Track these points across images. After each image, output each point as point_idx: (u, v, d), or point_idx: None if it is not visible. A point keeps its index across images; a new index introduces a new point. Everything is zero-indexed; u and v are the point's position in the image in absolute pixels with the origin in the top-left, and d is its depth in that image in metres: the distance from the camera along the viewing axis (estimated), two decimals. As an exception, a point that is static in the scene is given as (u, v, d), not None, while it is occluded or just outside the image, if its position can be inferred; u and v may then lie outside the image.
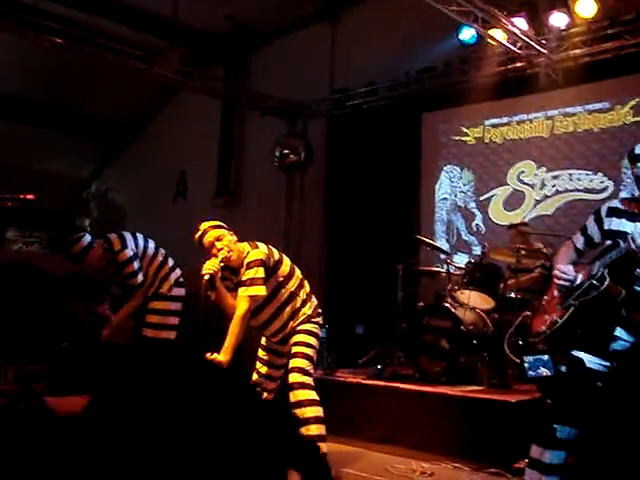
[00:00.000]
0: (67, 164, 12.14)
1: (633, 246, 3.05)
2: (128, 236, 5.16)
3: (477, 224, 7.91)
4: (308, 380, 4.02)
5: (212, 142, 10.49)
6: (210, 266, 3.85)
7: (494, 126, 7.87)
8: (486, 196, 7.86)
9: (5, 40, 8.16)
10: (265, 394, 4.23)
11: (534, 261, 6.09)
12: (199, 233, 4.03)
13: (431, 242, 6.97)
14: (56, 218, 11.26)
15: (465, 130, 8.08)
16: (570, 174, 7.23)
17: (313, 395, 4.01)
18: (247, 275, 3.90)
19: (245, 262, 3.95)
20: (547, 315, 3.38)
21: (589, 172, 7.10)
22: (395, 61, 8.28)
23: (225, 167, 10.53)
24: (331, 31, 9.28)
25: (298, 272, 4.23)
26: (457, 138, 8.15)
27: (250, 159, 10.33)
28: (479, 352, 5.60)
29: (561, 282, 3.35)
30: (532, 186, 7.50)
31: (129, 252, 5.05)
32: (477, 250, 7.52)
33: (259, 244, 4.07)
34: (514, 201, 7.62)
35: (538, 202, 7.44)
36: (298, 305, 4.14)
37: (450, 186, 8.16)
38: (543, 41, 6.99)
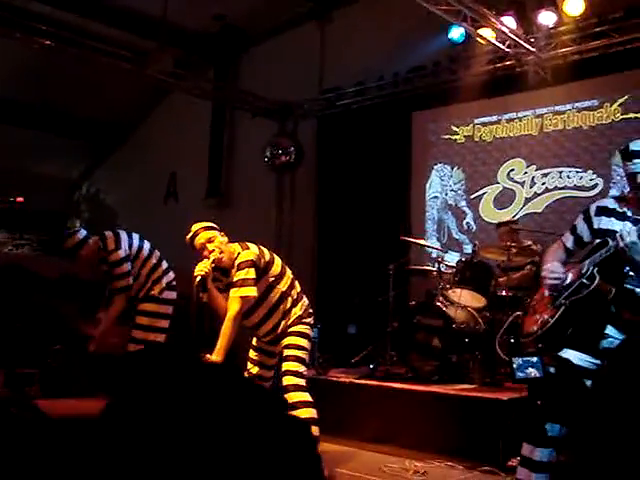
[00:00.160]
0: (57, 165, 12.10)
1: (622, 244, 3.06)
2: (123, 236, 5.15)
3: (468, 222, 7.94)
4: (301, 382, 4.03)
5: (203, 143, 10.48)
6: (202, 268, 3.85)
7: (484, 124, 7.89)
8: (476, 194, 7.88)
9: (-7, 42, 8.13)
10: None
11: (525, 258, 6.12)
12: (190, 234, 4.03)
13: (418, 241, 6.99)
14: (47, 219, 11.22)
15: (455, 129, 8.11)
16: (560, 172, 7.27)
17: (307, 397, 4.02)
18: (238, 276, 3.91)
19: (236, 263, 3.95)
20: (538, 315, 3.39)
21: (579, 170, 7.13)
22: (385, 61, 8.30)
23: (216, 168, 10.53)
24: (321, 31, 9.29)
25: (289, 272, 4.23)
26: (447, 137, 8.18)
27: (241, 160, 10.33)
28: (471, 350, 5.62)
29: (550, 281, 3.36)
30: (522, 184, 7.53)
31: (121, 253, 5.05)
32: (468, 248, 7.55)
33: (250, 245, 4.08)
34: (504, 199, 7.65)
35: (528, 200, 7.47)
36: (289, 305, 4.14)
37: (441, 185, 8.19)
38: (532, 39, 7.02)
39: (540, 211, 7.35)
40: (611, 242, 3.17)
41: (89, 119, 11.35)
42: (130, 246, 5.13)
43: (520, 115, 7.61)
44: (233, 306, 3.88)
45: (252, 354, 4.32)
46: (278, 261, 4.17)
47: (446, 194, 8.13)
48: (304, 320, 4.18)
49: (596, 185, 6.99)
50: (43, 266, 7.92)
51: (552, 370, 3.15)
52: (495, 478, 4.40)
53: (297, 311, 4.16)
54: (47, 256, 9.86)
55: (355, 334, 7.68)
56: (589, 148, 7.07)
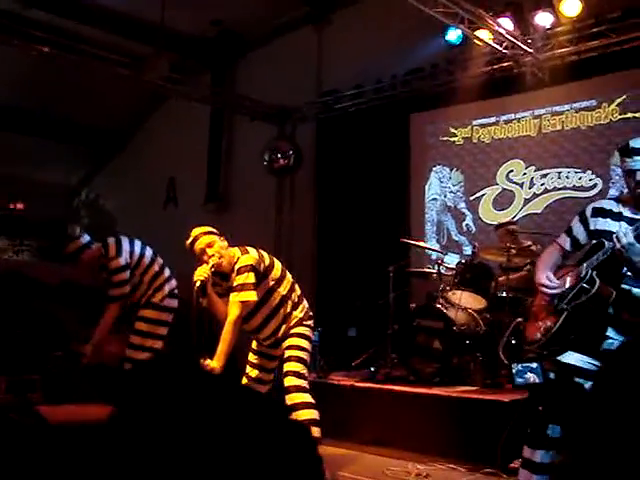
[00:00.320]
0: (57, 172, 12.11)
1: (618, 246, 3.05)
2: (125, 243, 5.16)
3: (467, 224, 7.94)
4: (303, 383, 4.03)
5: (201, 148, 10.49)
6: (201, 273, 3.86)
7: (482, 126, 7.90)
8: (476, 196, 7.88)
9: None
10: None
11: (524, 259, 6.12)
12: (190, 239, 4.04)
13: (418, 244, 6.99)
14: (46, 226, 11.21)
15: (453, 130, 8.11)
16: (559, 172, 7.27)
17: (308, 398, 4.02)
18: (238, 281, 3.91)
19: (236, 268, 3.95)
20: (540, 321, 3.38)
21: (577, 170, 7.13)
22: (382, 63, 8.31)
23: (215, 173, 10.53)
24: (318, 35, 9.29)
25: (289, 276, 4.24)
26: (445, 138, 8.18)
27: (240, 164, 10.34)
28: (472, 352, 5.62)
29: (549, 292, 3.36)
30: (521, 185, 7.53)
31: (122, 261, 5.06)
32: (468, 250, 7.55)
33: (249, 249, 4.08)
34: (503, 200, 7.65)
35: (527, 201, 7.47)
36: (289, 309, 4.15)
37: (440, 186, 8.19)
38: (529, 40, 7.02)
39: (540, 212, 7.35)
40: (607, 244, 3.16)
41: (88, 126, 11.36)
42: (131, 253, 5.13)
43: (518, 116, 7.61)
44: (233, 311, 3.88)
45: (252, 357, 4.31)
46: (278, 265, 4.18)
47: (445, 196, 8.14)
48: (305, 322, 4.19)
49: (595, 185, 6.99)
50: (43, 272, 7.93)
51: (552, 376, 3.14)
52: (497, 480, 4.40)
53: (297, 314, 4.17)
54: (47, 262, 9.85)
55: (355, 337, 7.68)
56: (588, 148, 7.07)
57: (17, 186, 9.99)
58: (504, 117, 7.72)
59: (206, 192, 10.50)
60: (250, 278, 3.90)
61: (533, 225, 7.12)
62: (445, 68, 7.98)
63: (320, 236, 9.26)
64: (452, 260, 6.88)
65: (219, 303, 4.01)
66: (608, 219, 3.30)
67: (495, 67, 7.50)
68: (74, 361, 5.29)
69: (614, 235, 3.09)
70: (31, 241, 11.06)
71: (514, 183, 7.58)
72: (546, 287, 3.36)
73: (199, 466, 1.51)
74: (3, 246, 10.90)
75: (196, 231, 4.05)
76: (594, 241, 3.29)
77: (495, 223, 7.00)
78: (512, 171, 7.61)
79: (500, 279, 6.04)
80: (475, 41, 7.06)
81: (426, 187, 8.29)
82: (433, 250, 7.31)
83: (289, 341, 4.12)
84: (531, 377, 3.12)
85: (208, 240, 3.98)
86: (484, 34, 6.90)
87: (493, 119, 7.80)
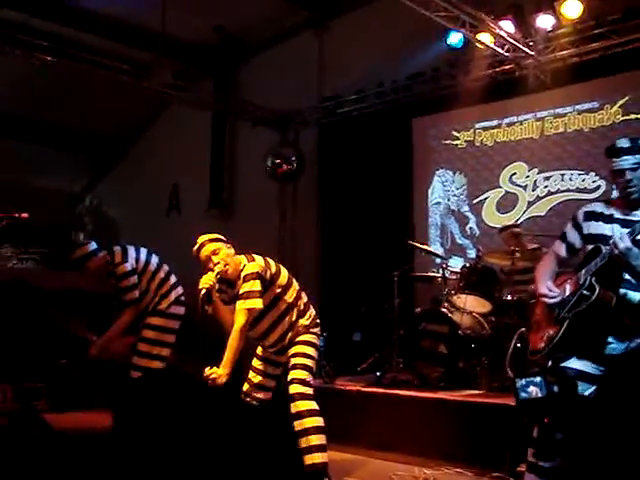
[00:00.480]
0: (60, 179, 12.12)
1: (617, 251, 3.04)
2: (131, 250, 5.19)
3: (471, 227, 7.93)
4: (308, 391, 4.02)
5: (204, 154, 10.49)
6: (206, 280, 3.85)
7: (484, 129, 7.89)
8: (479, 199, 7.88)
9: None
10: (254, 403, 4.22)
11: (529, 262, 6.10)
12: (196, 246, 4.04)
13: (424, 247, 6.98)
14: (50, 233, 11.22)
15: (456, 134, 8.11)
16: (562, 174, 7.26)
17: (313, 405, 4.01)
18: (244, 288, 3.90)
19: (242, 275, 3.95)
20: (543, 331, 3.37)
21: (581, 172, 7.13)
22: (384, 67, 8.31)
23: (218, 179, 10.54)
24: (319, 40, 9.30)
25: (295, 283, 4.23)
26: (448, 142, 8.18)
27: (242, 170, 10.35)
28: (477, 356, 5.61)
29: (551, 302, 3.36)
30: (524, 187, 7.53)
31: (127, 266, 5.08)
32: (472, 253, 7.53)
33: (256, 257, 4.07)
34: (507, 203, 7.64)
35: (531, 203, 7.46)
36: (295, 317, 4.14)
37: (443, 190, 8.19)
38: (530, 43, 7.01)
39: (543, 214, 7.34)
40: (604, 249, 3.16)
41: (90, 133, 11.38)
42: (137, 260, 5.16)
43: (521, 119, 7.60)
44: (239, 318, 3.87)
45: (256, 363, 4.30)
46: (284, 273, 4.17)
47: (448, 199, 8.13)
48: (311, 330, 4.18)
49: (599, 187, 6.98)
50: (47, 280, 7.94)
51: (555, 389, 3.14)
52: (504, 484, 4.39)
53: (304, 322, 4.16)
54: (51, 270, 9.86)
55: (360, 342, 7.68)
56: (591, 150, 7.05)
57: (20, 194, 9.99)
58: (506, 120, 7.71)
59: (209, 198, 10.51)
60: (256, 285, 3.90)
61: (537, 228, 7.12)
62: (447, 72, 7.98)
63: (324, 241, 9.26)
64: (456, 264, 6.89)
65: (225, 310, 4.00)
66: (600, 222, 3.31)
67: (497, 70, 7.50)
68: (82, 349, 5.29)
69: (611, 241, 3.08)
70: (35, 249, 11.08)
71: (517, 186, 7.58)
72: (547, 297, 3.37)
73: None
74: (7, 254, 10.92)
75: (202, 238, 4.05)
76: (590, 246, 3.29)
77: (499, 226, 6.99)
78: (515, 174, 7.61)
79: (505, 283, 6.03)
80: (477, 44, 7.06)
81: (429, 191, 8.28)
82: (437, 255, 7.29)
83: (295, 348, 4.10)
84: (534, 391, 3.12)
85: (214, 247, 3.98)
86: (485, 37, 6.90)
87: (495, 122, 7.80)
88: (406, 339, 6.02)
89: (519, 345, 5.22)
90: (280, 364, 4.25)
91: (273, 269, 4.09)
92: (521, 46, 6.95)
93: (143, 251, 5.27)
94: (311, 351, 4.12)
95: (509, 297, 5.83)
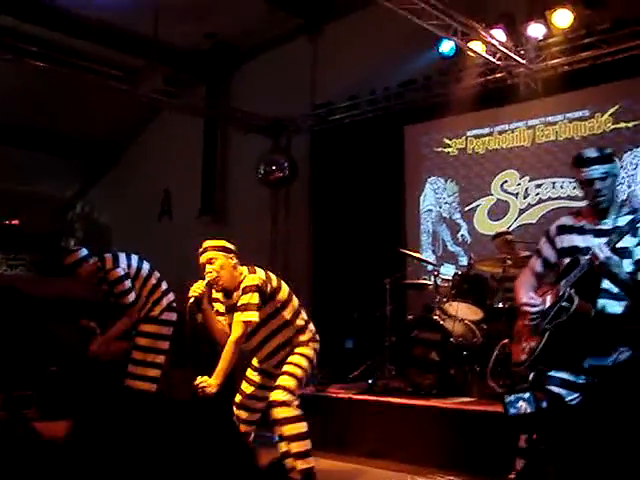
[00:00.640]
0: (51, 185, 12.09)
1: (597, 262, 3.07)
2: (122, 256, 5.21)
3: (462, 234, 7.95)
4: (290, 399, 3.94)
5: (196, 160, 10.48)
6: (195, 288, 3.84)
7: (476, 137, 7.92)
8: (471, 206, 7.90)
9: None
10: (246, 415, 4.19)
11: (520, 270, 6.11)
12: (200, 250, 4.02)
13: (416, 255, 6.99)
14: (41, 240, 11.17)
15: (447, 141, 8.13)
16: (553, 182, 7.29)
17: (294, 412, 3.94)
18: (242, 300, 3.88)
19: (241, 287, 3.92)
20: (525, 343, 3.40)
21: (572, 180, 7.12)
22: (376, 75, 8.33)
23: (209, 185, 10.52)
24: (311, 47, 9.31)
25: (295, 300, 4.19)
26: (440, 150, 8.20)
27: (234, 176, 10.34)
28: (469, 363, 5.62)
29: (533, 310, 3.37)
30: (516, 195, 7.55)
31: (120, 271, 5.09)
32: (463, 260, 7.55)
33: (257, 269, 4.04)
34: (498, 211, 7.67)
35: (522, 211, 7.49)
36: (292, 333, 4.09)
37: (434, 197, 8.20)
38: (522, 52, 7.06)
39: (535, 222, 7.36)
40: (582, 259, 3.19)
41: (82, 139, 11.36)
42: (129, 267, 5.16)
43: (512, 127, 7.64)
44: (236, 330, 3.84)
45: (250, 374, 4.27)
46: (285, 288, 4.13)
47: (440, 207, 8.15)
48: (310, 344, 4.13)
49: (589, 195, 6.99)
50: (38, 287, 7.90)
51: (544, 405, 3.17)
52: (497, 491, 4.39)
53: (302, 339, 4.12)
54: (41, 276, 9.81)
55: (352, 349, 7.66)
56: (582, 158, 7.08)
57: (11, 199, 9.96)
58: (498, 128, 7.74)
59: (201, 204, 10.49)
60: (254, 299, 3.87)
61: (528, 235, 7.13)
62: (438, 80, 8.00)
63: (316, 248, 9.25)
64: (448, 271, 6.90)
65: (215, 320, 3.98)
66: (573, 235, 3.37)
67: (488, 78, 7.54)
68: (83, 339, 5.30)
69: (591, 252, 3.11)
70: (25, 255, 11.03)
71: (509, 193, 7.61)
72: (529, 305, 3.39)
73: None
74: (-2, 260, 10.87)
75: (206, 243, 4.03)
76: (566, 259, 3.32)
77: (490, 233, 7.01)
78: (506, 181, 7.63)
79: (496, 290, 6.04)
80: (468, 53, 7.10)
81: (421, 198, 8.30)
82: (429, 262, 7.30)
83: (289, 359, 4.07)
84: (523, 406, 3.14)
85: (211, 256, 3.95)
86: (477, 46, 6.94)
87: (487, 130, 7.83)
88: (398, 346, 6.03)
89: (501, 357, 5.25)
90: (276, 377, 4.21)
91: (274, 283, 4.06)
92: (512, 55, 6.99)
93: (134, 258, 5.27)
94: (303, 362, 4.07)
95: (500, 305, 5.85)
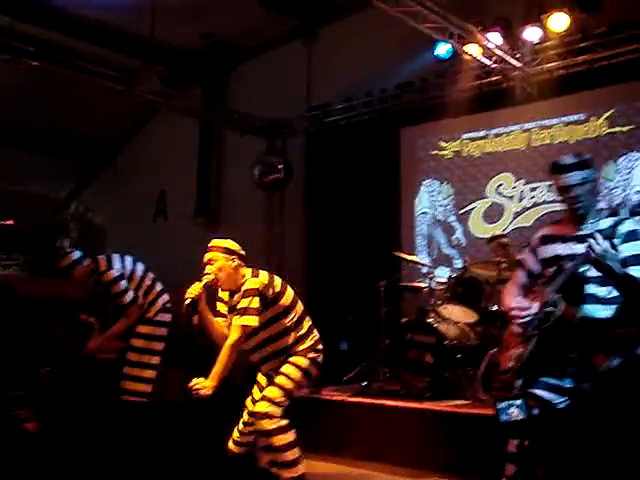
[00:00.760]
0: (45, 185, 12.04)
1: (594, 255, 3.06)
2: (116, 258, 5.21)
3: (457, 237, 7.95)
4: (273, 410, 3.89)
5: (191, 161, 10.47)
6: (192, 290, 3.83)
7: (472, 140, 7.93)
8: (466, 209, 7.91)
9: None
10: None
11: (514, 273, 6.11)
12: (208, 248, 4.01)
13: (410, 257, 6.99)
14: (35, 240, 11.13)
15: (443, 144, 8.14)
16: (548, 185, 7.28)
17: (278, 423, 3.88)
18: (242, 304, 3.84)
19: (242, 289, 3.90)
20: (512, 350, 3.40)
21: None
22: (372, 77, 8.34)
23: (205, 186, 10.51)
24: (308, 48, 9.30)
25: (300, 306, 4.14)
26: (435, 152, 8.21)
27: (230, 177, 10.33)
28: (463, 366, 5.62)
29: (523, 314, 3.37)
30: (511, 198, 7.56)
31: (114, 272, 5.08)
32: (458, 263, 7.57)
33: (261, 272, 4.01)
34: (493, 213, 7.68)
35: (518, 214, 7.50)
36: (292, 340, 4.04)
37: (430, 200, 8.21)
38: (518, 55, 7.08)
39: (530, 225, 7.37)
40: (566, 265, 3.20)
41: (77, 138, 11.33)
42: (123, 268, 5.15)
43: (507, 130, 7.65)
44: (233, 334, 3.81)
45: (260, 378, 4.22)
46: (289, 294, 4.09)
47: (435, 209, 8.16)
48: (308, 355, 4.08)
49: (584, 199, 7.01)
50: (32, 287, 7.86)
51: (536, 412, 3.17)
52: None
53: (301, 347, 4.07)
54: (35, 277, 9.77)
55: (347, 351, 7.65)
56: (577, 162, 7.09)
57: (5, 199, 9.91)
58: (493, 131, 7.76)
59: (196, 205, 10.48)
60: (254, 303, 3.83)
61: (523, 238, 7.07)
62: (435, 82, 8.02)
63: (311, 250, 9.25)
64: (443, 274, 6.90)
65: (213, 321, 3.97)
66: (555, 244, 3.37)
67: (484, 81, 7.55)
68: (81, 335, 5.30)
69: (587, 245, 3.09)
70: (19, 255, 10.98)
71: (504, 196, 7.62)
72: (518, 309, 3.40)
73: None
74: (-10, 260, 10.82)
75: (213, 242, 4.01)
76: (552, 268, 3.32)
77: (485, 236, 7.01)
78: (502, 184, 7.65)
79: (491, 293, 6.04)
80: (464, 56, 7.12)
81: (416, 201, 8.30)
82: (423, 265, 7.30)
83: (282, 368, 4.02)
84: (515, 413, 3.14)
85: (211, 256, 3.93)
86: (473, 49, 6.95)
87: (483, 133, 7.84)
88: (392, 349, 6.02)
89: (490, 366, 5.26)
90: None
91: (277, 288, 4.01)
92: (508, 58, 7.01)
93: (128, 259, 5.27)
94: (295, 373, 4.01)
95: (495, 308, 5.84)
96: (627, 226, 3.18)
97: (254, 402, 4.11)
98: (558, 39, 6.86)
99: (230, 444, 4.11)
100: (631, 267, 3.11)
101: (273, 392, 3.94)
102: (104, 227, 12.17)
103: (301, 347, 4.07)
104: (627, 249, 3.13)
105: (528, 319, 3.33)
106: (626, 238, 3.15)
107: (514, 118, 7.58)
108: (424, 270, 7.20)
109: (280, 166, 9.21)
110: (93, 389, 5.32)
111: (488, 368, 5.27)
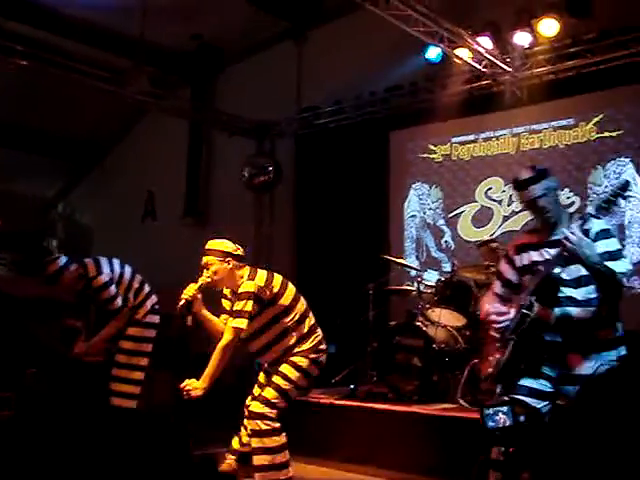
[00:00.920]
0: (33, 184, 11.98)
1: (569, 244, 3.08)
2: (104, 261, 5.15)
3: (446, 241, 7.96)
4: (269, 412, 3.90)
5: (180, 162, 10.44)
6: (188, 291, 3.83)
7: (461, 143, 7.95)
8: (455, 213, 7.92)
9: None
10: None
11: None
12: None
13: (398, 260, 6.99)
14: (22, 239, 11.06)
15: (432, 148, 8.15)
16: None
17: (271, 425, 3.89)
18: (237, 306, 3.86)
19: (238, 291, 3.90)
20: (491, 357, 3.41)
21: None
22: (362, 80, 8.33)
23: (194, 187, 10.48)
24: (298, 50, 9.31)
25: (302, 305, 4.15)
26: (425, 156, 8.22)
27: (218, 178, 10.30)
28: (452, 370, 5.63)
29: (500, 319, 3.36)
30: (500, 202, 7.58)
31: (104, 277, 5.04)
32: (447, 266, 7.56)
33: (259, 273, 4.01)
34: (482, 217, 7.69)
35: (506, 218, 7.51)
36: (294, 340, 4.04)
37: (419, 203, 8.22)
38: (508, 60, 7.10)
39: (519, 229, 7.36)
40: (540, 269, 3.24)
41: (65, 138, 11.27)
42: (112, 271, 5.11)
43: (497, 134, 7.67)
44: (226, 335, 3.82)
45: (261, 377, 4.23)
46: (290, 293, 4.09)
47: (424, 213, 8.16)
48: (309, 355, 4.07)
49: (573, 203, 7.05)
50: (18, 287, 7.81)
51: (522, 419, 3.18)
52: (477, 499, 4.38)
53: (303, 347, 4.07)
54: (22, 277, 9.71)
55: (335, 354, 7.62)
56: (566, 167, 7.13)
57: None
58: (483, 135, 7.78)
59: (185, 206, 10.45)
60: (247, 306, 3.83)
61: (512, 242, 7.16)
62: (424, 86, 8.02)
63: (299, 252, 9.24)
64: (431, 277, 6.90)
65: (213, 322, 3.97)
66: (530, 252, 3.40)
67: (474, 85, 7.56)
68: (66, 339, 5.26)
69: (562, 236, 3.12)
70: (6, 254, 10.91)
71: (493, 200, 7.63)
72: (495, 314, 3.39)
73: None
74: (-23, 260, 10.74)
75: (209, 244, 4.03)
76: (529, 276, 3.35)
77: (474, 240, 7.03)
78: (491, 188, 7.66)
79: (479, 296, 6.05)
80: (454, 59, 7.12)
81: (405, 204, 8.31)
82: (412, 268, 7.31)
83: (280, 368, 4.02)
84: (502, 419, 3.15)
85: (207, 260, 3.95)
86: (463, 53, 6.96)
87: (472, 137, 7.86)
88: (380, 352, 6.02)
89: (471, 376, 5.27)
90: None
91: (276, 289, 4.01)
92: (498, 62, 7.03)
93: (116, 262, 5.23)
94: (294, 375, 4.01)
95: (483, 311, 5.85)
96: (598, 226, 3.25)
97: (252, 398, 4.13)
98: (548, 44, 6.88)
99: (234, 442, 4.14)
100: (606, 263, 3.16)
101: (269, 393, 3.95)
102: (91, 227, 12.11)
103: (302, 347, 4.07)
104: (600, 246, 3.19)
105: (505, 324, 3.34)
106: (598, 237, 3.22)
107: (504, 122, 7.60)
108: (413, 273, 7.22)
109: (270, 168, 9.19)
110: (79, 391, 5.28)
111: (471, 375, 5.29)
